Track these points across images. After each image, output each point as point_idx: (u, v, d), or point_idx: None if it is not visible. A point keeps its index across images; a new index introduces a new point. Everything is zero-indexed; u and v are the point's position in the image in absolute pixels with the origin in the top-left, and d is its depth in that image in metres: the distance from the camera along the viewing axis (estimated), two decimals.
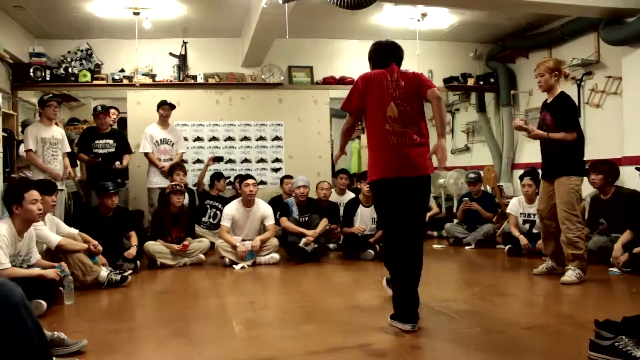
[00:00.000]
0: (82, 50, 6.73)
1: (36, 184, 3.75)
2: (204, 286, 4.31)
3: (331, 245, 5.65)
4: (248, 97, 7.02)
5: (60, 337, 2.40)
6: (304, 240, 5.07)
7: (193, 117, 6.86)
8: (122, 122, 6.76)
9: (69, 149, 5.34)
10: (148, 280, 4.46)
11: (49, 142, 5.03)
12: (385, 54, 3.04)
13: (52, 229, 3.91)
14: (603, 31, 5.55)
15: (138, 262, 4.66)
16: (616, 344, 2.17)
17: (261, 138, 7.08)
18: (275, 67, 7.04)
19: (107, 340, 2.71)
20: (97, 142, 5.61)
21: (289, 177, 6.32)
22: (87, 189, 5.80)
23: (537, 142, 4.19)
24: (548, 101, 4.04)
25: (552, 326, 2.85)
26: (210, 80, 6.83)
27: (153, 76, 6.73)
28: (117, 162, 5.58)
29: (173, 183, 5.23)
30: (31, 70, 6.25)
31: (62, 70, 6.47)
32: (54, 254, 3.78)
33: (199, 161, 6.82)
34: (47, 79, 6.36)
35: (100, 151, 5.58)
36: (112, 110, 6.24)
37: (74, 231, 4.09)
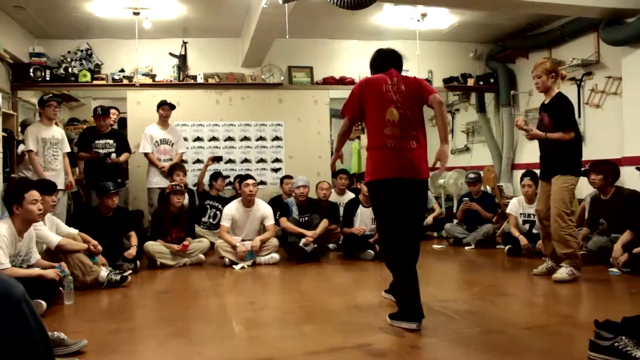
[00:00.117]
0: (82, 50, 6.74)
1: (36, 184, 3.76)
2: (203, 286, 4.31)
3: (331, 246, 5.65)
4: (248, 97, 7.03)
5: (60, 337, 2.40)
6: (303, 240, 5.07)
7: (193, 117, 6.86)
8: (122, 122, 6.76)
9: (69, 149, 5.34)
10: (148, 280, 4.46)
11: (49, 142, 5.03)
12: (386, 60, 3.08)
13: (52, 229, 3.91)
14: (603, 31, 5.55)
15: (138, 262, 4.66)
16: (616, 344, 2.17)
17: (261, 138, 7.08)
18: (275, 67, 7.05)
19: (107, 340, 2.71)
20: (97, 142, 5.62)
21: (289, 177, 6.32)
22: (87, 189, 5.80)
23: (537, 142, 4.20)
24: (545, 102, 4.07)
25: (552, 326, 2.85)
26: (210, 81, 6.83)
27: (153, 76, 6.73)
28: (113, 155, 5.58)
29: (173, 183, 5.23)
30: (31, 70, 6.25)
31: (62, 70, 6.47)
32: (53, 254, 3.78)
33: (198, 161, 6.82)
34: (47, 79, 6.36)
35: (100, 151, 5.59)
36: (112, 111, 6.23)
37: (73, 231, 4.09)
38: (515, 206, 5.34)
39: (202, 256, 5.04)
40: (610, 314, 2.50)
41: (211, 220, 6.14)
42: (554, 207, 3.91)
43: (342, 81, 7.13)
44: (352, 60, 7.18)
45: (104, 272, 3.95)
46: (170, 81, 6.78)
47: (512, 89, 7.45)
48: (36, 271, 3.33)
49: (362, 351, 2.44)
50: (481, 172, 6.67)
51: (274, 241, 5.08)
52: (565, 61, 6.32)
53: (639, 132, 5.25)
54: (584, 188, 5.09)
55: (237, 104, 7.00)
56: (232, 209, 5.11)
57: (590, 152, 5.73)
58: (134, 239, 4.74)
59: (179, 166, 5.72)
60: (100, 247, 4.06)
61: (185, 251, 4.94)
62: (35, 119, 6.19)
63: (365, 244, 5.15)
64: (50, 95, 5.40)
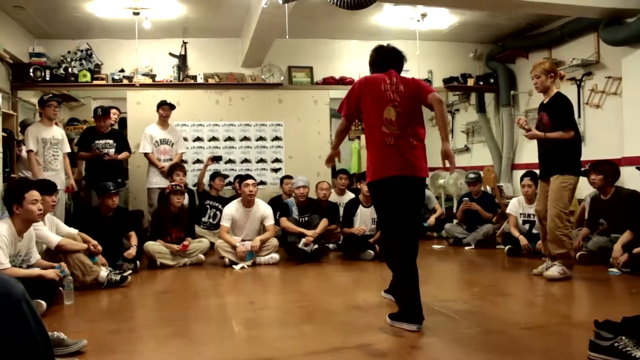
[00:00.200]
0: (82, 50, 6.73)
1: (36, 184, 3.76)
2: (203, 286, 4.31)
3: (331, 246, 5.65)
4: (248, 97, 7.03)
5: (59, 337, 2.40)
6: (303, 240, 5.07)
7: (193, 117, 6.86)
8: (122, 122, 6.76)
9: (69, 149, 5.35)
10: (148, 280, 4.46)
11: (50, 143, 5.03)
12: (386, 59, 3.07)
13: (52, 229, 3.91)
14: (603, 31, 5.55)
15: (138, 262, 4.66)
16: (616, 344, 2.17)
17: (261, 138, 7.08)
18: (275, 67, 7.05)
19: (106, 340, 2.71)
20: (97, 142, 5.62)
21: (289, 177, 6.32)
22: (87, 189, 5.80)
23: (536, 142, 4.20)
24: (544, 102, 4.08)
25: (551, 326, 2.85)
26: (210, 81, 6.83)
27: (153, 76, 6.73)
28: (111, 151, 5.57)
29: (173, 183, 5.23)
30: (31, 70, 6.25)
31: (62, 71, 6.47)
32: (53, 254, 3.78)
33: (198, 161, 6.82)
34: (47, 79, 6.36)
35: (101, 150, 5.58)
36: (113, 110, 6.24)
37: (73, 231, 4.09)
38: (515, 206, 5.34)
39: (202, 256, 5.04)
40: (610, 314, 2.50)
41: (211, 220, 6.14)
42: (551, 207, 3.92)
43: (342, 81, 7.13)
44: (352, 60, 7.18)
45: (103, 272, 3.95)
46: (170, 81, 6.78)
47: (512, 89, 7.45)
48: (36, 271, 3.33)
49: (362, 351, 2.44)
50: (481, 172, 6.67)
51: (274, 241, 5.08)
52: (565, 61, 6.33)
53: (639, 132, 5.25)
54: (584, 188, 5.09)
55: (237, 104, 7.00)
56: (232, 209, 5.11)
57: (590, 152, 5.73)
58: (133, 239, 4.74)
59: (178, 166, 5.72)
60: (100, 247, 4.06)
61: (185, 251, 4.94)
62: (35, 119, 6.19)
63: (365, 244, 5.15)
64: (51, 95, 5.41)
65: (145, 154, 5.91)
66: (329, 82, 7.19)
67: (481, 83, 7.61)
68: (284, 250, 5.24)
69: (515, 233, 5.18)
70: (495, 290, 3.86)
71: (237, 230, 5.11)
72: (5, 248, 3.16)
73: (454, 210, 6.87)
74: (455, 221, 6.24)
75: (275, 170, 7.08)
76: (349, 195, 6.05)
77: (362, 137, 9.06)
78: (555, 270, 3.92)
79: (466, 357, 2.41)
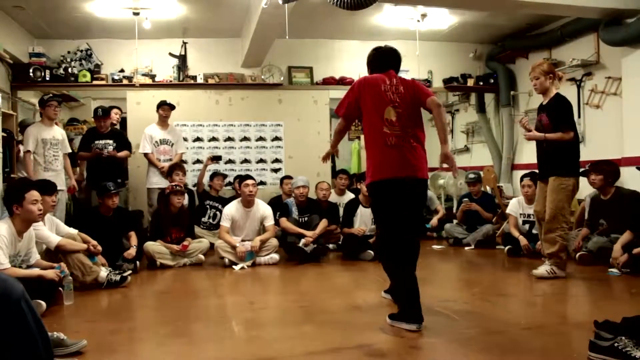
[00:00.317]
0: (81, 51, 6.73)
1: (36, 184, 3.75)
2: (203, 286, 4.31)
3: (331, 246, 5.65)
4: (248, 97, 7.03)
5: (59, 338, 2.40)
6: (303, 240, 5.07)
7: (193, 118, 6.86)
8: (122, 122, 6.77)
9: (69, 150, 5.35)
10: (148, 280, 4.46)
11: (50, 143, 5.03)
12: (384, 59, 3.08)
13: (52, 229, 3.91)
14: (603, 32, 5.55)
15: (137, 262, 4.66)
16: (616, 344, 2.16)
17: (261, 138, 7.08)
18: (275, 68, 7.05)
19: (106, 340, 2.71)
20: (97, 142, 5.62)
21: (289, 177, 6.32)
22: (87, 189, 5.80)
23: (535, 142, 4.20)
24: (544, 103, 4.08)
25: (551, 327, 2.85)
26: (210, 81, 6.83)
27: (153, 76, 6.73)
28: (110, 147, 5.57)
29: (173, 184, 5.23)
30: (31, 71, 6.24)
31: (61, 71, 6.46)
32: (53, 254, 3.78)
33: (198, 161, 6.82)
34: (47, 79, 6.36)
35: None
36: (114, 110, 6.25)
37: (73, 231, 4.09)
38: (515, 206, 5.34)
39: (201, 256, 5.04)
40: (610, 314, 2.50)
41: (211, 220, 6.14)
42: (549, 208, 3.93)
43: (342, 81, 7.13)
44: (352, 61, 7.17)
45: (103, 273, 3.95)
46: (170, 81, 6.78)
47: (512, 90, 7.45)
48: (36, 271, 3.33)
49: (362, 351, 2.44)
50: (481, 173, 6.66)
51: (274, 241, 5.08)
52: (565, 61, 6.33)
53: (639, 132, 5.24)
54: (584, 188, 5.08)
55: (237, 104, 7.00)
56: (232, 209, 5.11)
57: (590, 153, 5.73)
58: (133, 239, 4.74)
59: (178, 166, 5.72)
60: (99, 248, 4.06)
61: (185, 251, 4.94)
62: (35, 119, 6.19)
63: (365, 245, 5.15)
64: (51, 95, 5.40)
65: (145, 154, 5.91)
66: (329, 82, 7.19)
67: (481, 83, 7.61)
68: (284, 251, 5.24)
69: (515, 233, 5.18)
70: (495, 290, 3.86)
71: (237, 231, 5.11)
72: (5, 248, 3.16)
73: (454, 211, 6.86)
74: (455, 221, 6.24)
75: (275, 171, 7.08)
76: (349, 196, 6.05)
77: (362, 137, 9.07)
78: (543, 269, 3.95)
79: (466, 357, 2.41)
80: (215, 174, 6.40)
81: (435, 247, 5.94)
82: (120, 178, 5.73)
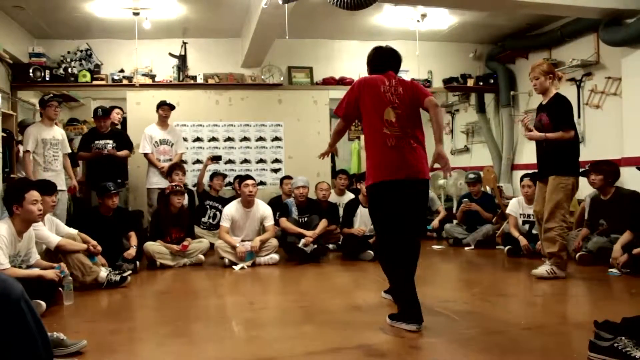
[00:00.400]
0: (81, 51, 6.73)
1: (36, 184, 3.75)
2: (203, 286, 4.31)
3: (331, 246, 5.64)
4: (248, 97, 7.03)
5: (59, 338, 2.40)
6: (303, 240, 5.07)
7: (192, 118, 6.86)
8: (122, 122, 6.75)
9: (69, 150, 5.34)
10: (147, 280, 4.46)
11: (50, 143, 5.03)
12: (384, 60, 3.09)
13: (52, 230, 3.90)
14: (603, 32, 5.55)
15: (137, 262, 4.65)
16: (615, 344, 2.16)
17: (261, 139, 7.08)
18: (275, 68, 7.05)
19: (106, 340, 2.71)
20: (96, 142, 5.63)
21: (289, 177, 6.32)
22: (87, 189, 5.80)
23: (535, 142, 4.21)
24: (543, 103, 4.08)
25: (551, 327, 2.85)
26: (210, 81, 6.83)
27: (153, 76, 6.73)
28: (109, 146, 5.56)
29: (173, 184, 5.23)
30: (31, 71, 6.24)
31: (61, 71, 6.46)
32: (53, 254, 3.78)
33: (198, 162, 6.82)
34: (47, 79, 6.36)
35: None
36: (116, 110, 6.26)
37: (73, 231, 4.09)
38: (515, 207, 5.34)
39: (201, 256, 5.04)
40: (609, 314, 2.50)
41: (211, 220, 6.14)
42: (548, 206, 3.93)
43: (342, 81, 7.13)
44: (352, 61, 7.17)
45: (103, 273, 3.95)
46: (170, 81, 6.78)
47: (512, 90, 7.45)
48: (36, 271, 3.33)
49: (362, 351, 2.44)
50: (481, 173, 6.67)
51: (274, 242, 5.07)
52: (565, 62, 6.33)
53: (638, 133, 5.25)
54: (584, 188, 5.08)
55: (237, 104, 7.00)
56: (232, 209, 5.11)
57: (590, 153, 5.73)
58: (133, 240, 4.74)
59: (178, 166, 5.72)
60: (99, 248, 4.05)
61: (185, 251, 4.94)
62: (35, 119, 6.19)
63: (365, 245, 5.15)
64: (51, 95, 5.40)
65: (145, 155, 5.91)
66: (329, 82, 7.19)
67: (481, 83, 7.61)
68: (284, 251, 5.24)
69: (515, 233, 5.18)
70: (495, 290, 3.87)
71: (237, 231, 5.11)
72: (5, 248, 3.16)
73: (454, 211, 6.86)
74: (455, 221, 6.24)
75: (275, 171, 7.08)
76: (349, 196, 6.05)
77: (362, 137, 9.07)
78: (543, 269, 3.95)
79: (466, 357, 2.41)
80: (215, 174, 6.40)
81: (435, 247, 5.94)
82: (120, 178, 5.72)
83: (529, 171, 5.49)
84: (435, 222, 6.35)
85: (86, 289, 3.83)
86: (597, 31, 5.80)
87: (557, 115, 3.93)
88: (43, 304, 3.16)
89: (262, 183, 6.85)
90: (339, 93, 6.78)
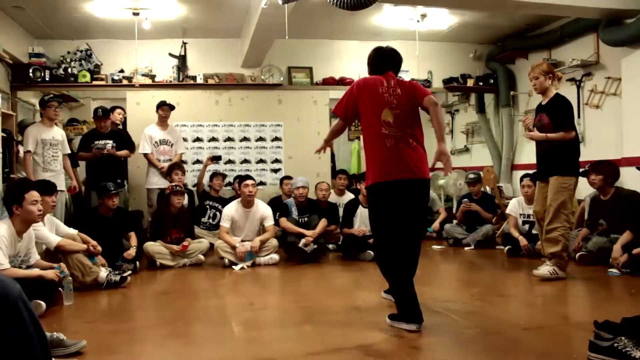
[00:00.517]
0: (81, 51, 6.73)
1: (36, 184, 3.75)
2: (203, 287, 4.31)
3: (330, 246, 5.64)
4: (247, 97, 7.03)
5: (59, 338, 2.40)
6: (303, 240, 5.07)
7: (192, 118, 6.86)
8: (122, 122, 6.75)
9: (69, 151, 5.34)
10: (147, 280, 4.46)
11: (50, 144, 5.03)
12: (384, 60, 3.09)
13: (52, 230, 3.90)
14: (602, 32, 5.55)
15: (137, 262, 4.66)
16: (615, 344, 2.16)
17: (261, 139, 7.08)
18: (274, 68, 7.05)
19: (106, 340, 2.71)
20: (96, 142, 5.62)
21: (289, 177, 6.32)
22: (87, 190, 5.80)
23: (535, 142, 4.21)
24: (543, 103, 4.09)
25: (551, 327, 2.85)
26: (210, 81, 6.83)
27: (152, 77, 6.73)
28: (109, 145, 5.57)
29: (173, 184, 5.23)
30: (30, 71, 6.24)
31: (61, 71, 6.46)
32: (53, 254, 3.78)
33: (198, 162, 6.82)
34: (47, 79, 6.36)
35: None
36: (118, 110, 6.25)
37: (73, 232, 4.09)
38: (515, 207, 5.34)
39: (201, 257, 5.04)
40: (609, 314, 2.50)
41: (211, 220, 6.14)
42: (550, 206, 3.93)
43: (342, 82, 7.13)
44: (352, 61, 7.18)
45: (103, 273, 3.95)
46: (170, 82, 6.78)
47: (512, 90, 7.45)
48: (35, 272, 3.33)
49: (362, 351, 2.44)
50: (481, 173, 6.67)
51: (274, 242, 5.07)
52: (564, 62, 6.33)
53: (638, 133, 5.25)
54: (584, 188, 5.09)
55: (237, 104, 7.00)
56: (232, 209, 5.11)
57: (589, 153, 5.73)
58: (133, 240, 4.74)
59: (177, 166, 5.72)
60: (99, 248, 4.05)
61: (185, 252, 4.94)
62: (35, 119, 6.19)
63: (365, 245, 5.15)
64: (51, 95, 5.40)
65: (145, 155, 5.91)
66: (329, 82, 7.20)
67: (481, 84, 7.61)
68: (284, 251, 5.24)
69: (515, 234, 5.18)
70: (495, 290, 3.86)
71: (237, 231, 5.11)
72: (5, 249, 3.16)
73: (454, 211, 6.86)
74: (455, 222, 6.23)
75: (275, 171, 7.08)
76: (349, 196, 6.05)
77: (362, 137, 9.06)
78: (545, 269, 3.94)
79: (466, 357, 2.41)
80: (215, 174, 6.40)
81: (435, 247, 5.93)
82: (120, 178, 5.72)
83: (529, 171, 5.49)
84: (435, 224, 6.28)
85: (86, 289, 3.83)
86: (597, 31, 5.80)
87: (558, 116, 3.93)
88: (43, 304, 3.16)
89: (262, 183, 6.85)
90: (339, 93, 6.70)
